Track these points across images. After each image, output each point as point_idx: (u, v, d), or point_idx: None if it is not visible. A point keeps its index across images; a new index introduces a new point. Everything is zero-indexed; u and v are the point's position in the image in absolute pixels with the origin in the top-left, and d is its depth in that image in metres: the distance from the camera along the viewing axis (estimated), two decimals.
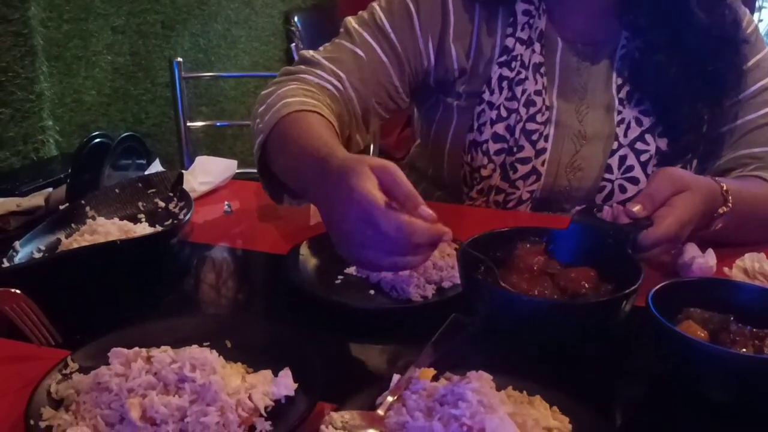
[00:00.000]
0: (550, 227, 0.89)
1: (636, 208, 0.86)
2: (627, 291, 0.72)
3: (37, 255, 0.93)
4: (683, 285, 0.79)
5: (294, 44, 3.42)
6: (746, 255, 0.92)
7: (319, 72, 1.11)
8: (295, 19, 3.52)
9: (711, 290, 0.77)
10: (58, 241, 0.98)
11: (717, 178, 0.96)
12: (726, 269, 0.92)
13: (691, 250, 0.93)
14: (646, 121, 1.13)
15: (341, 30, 1.18)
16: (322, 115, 0.99)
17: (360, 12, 1.18)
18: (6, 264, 0.87)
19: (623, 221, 0.87)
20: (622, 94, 1.14)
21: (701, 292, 0.76)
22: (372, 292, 0.89)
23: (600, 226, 0.88)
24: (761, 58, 1.14)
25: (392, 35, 1.14)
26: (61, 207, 1.05)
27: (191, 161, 1.34)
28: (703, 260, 0.91)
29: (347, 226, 0.73)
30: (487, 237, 0.87)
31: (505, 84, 1.15)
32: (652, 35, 1.10)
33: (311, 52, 1.16)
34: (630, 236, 0.84)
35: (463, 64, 1.17)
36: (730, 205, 0.93)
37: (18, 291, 0.75)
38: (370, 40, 1.14)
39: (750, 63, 1.12)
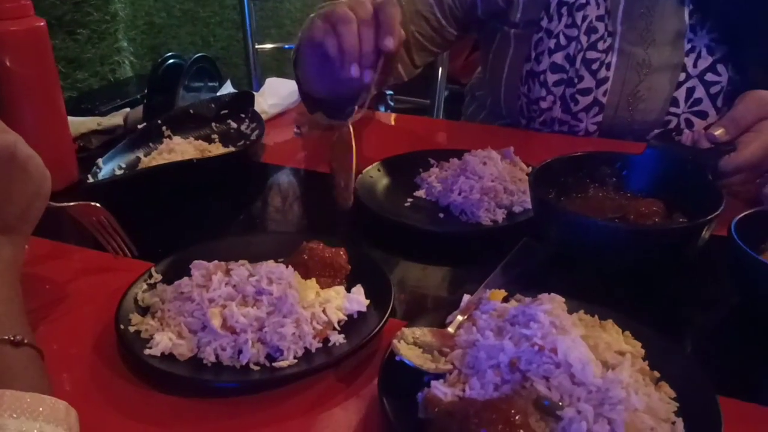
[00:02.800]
0: (624, 152, 0.87)
1: (718, 132, 0.82)
2: (706, 218, 0.70)
3: (118, 172, 0.97)
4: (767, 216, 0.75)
5: None
6: None
7: None
8: None
9: None
10: (138, 159, 1.01)
11: None
12: None
13: None
14: (719, 50, 1.05)
15: None
16: None
17: None
18: (91, 180, 0.91)
19: (704, 146, 0.83)
20: (694, 20, 1.06)
21: None
22: (441, 215, 0.90)
23: (678, 151, 0.85)
24: None
25: None
26: (139, 126, 1.08)
27: (260, 84, 1.35)
28: None
29: None
30: (558, 162, 0.85)
31: (564, 10, 1.09)
32: None
33: None
34: (711, 162, 0.80)
35: None
36: None
37: (98, 204, 0.78)
38: None
39: None
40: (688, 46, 1.07)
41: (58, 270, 0.78)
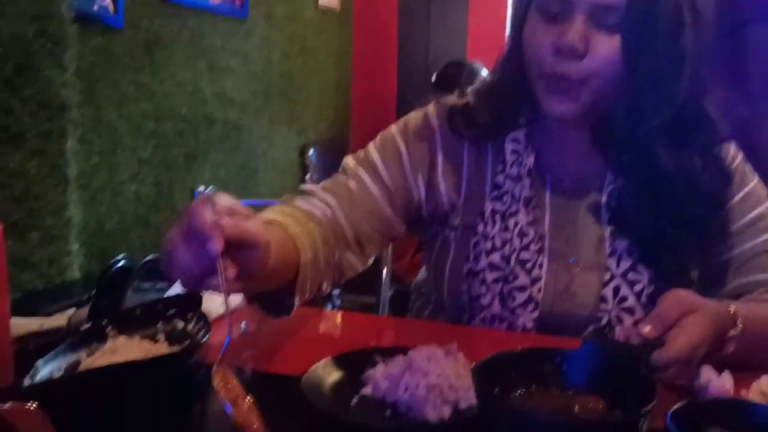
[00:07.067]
0: (562, 347, 0.90)
1: (646, 329, 0.88)
2: (644, 410, 0.72)
3: (57, 374, 0.95)
4: (701, 406, 0.79)
5: (308, 175, 3.57)
6: (762, 377, 0.92)
7: (310, 199, 1.18)
8: (311, 152, 3.69)
9: (729, 411, 0.77)
10: (79, 360, 0.99)
11: (725, 301, 0.97)
12: (743, 391, 0.91)
13: (707, 372, 0.93)
14: (637, 253, 1.15)
15: (340, 168, 1.26)
16: (284, 229, 1.02)
17: (358, 150, 1.27)
18: (27, 383, 0.89)
19: (635, 342, 0.88)
20: (612, 227, 1.17)
21: (719, 413, 0.77)
22: (388, 412, 0.89)
23: (612, 347, 0.89)
24: (750, 190, 1.17)
25: (382, 170, 1.22)
26: (83, 328, 1.07)
27: None
28: (719, 382, 0.91)
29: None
30: (500, 357, 0.87)
31: (497, 217, 1.19)
32: (634, 176, 1.13)
33: (309, 185, 1.24)
34: (642, 357, 0.85)
35: (452, 200, 1.23)
36: (739, 327, 0.94)
37: (33, 407, 0.75)
38: (362, 174, 1.22)
39: (738, 197, 1.16)
40: (609, 249, 1.16)
41: None
